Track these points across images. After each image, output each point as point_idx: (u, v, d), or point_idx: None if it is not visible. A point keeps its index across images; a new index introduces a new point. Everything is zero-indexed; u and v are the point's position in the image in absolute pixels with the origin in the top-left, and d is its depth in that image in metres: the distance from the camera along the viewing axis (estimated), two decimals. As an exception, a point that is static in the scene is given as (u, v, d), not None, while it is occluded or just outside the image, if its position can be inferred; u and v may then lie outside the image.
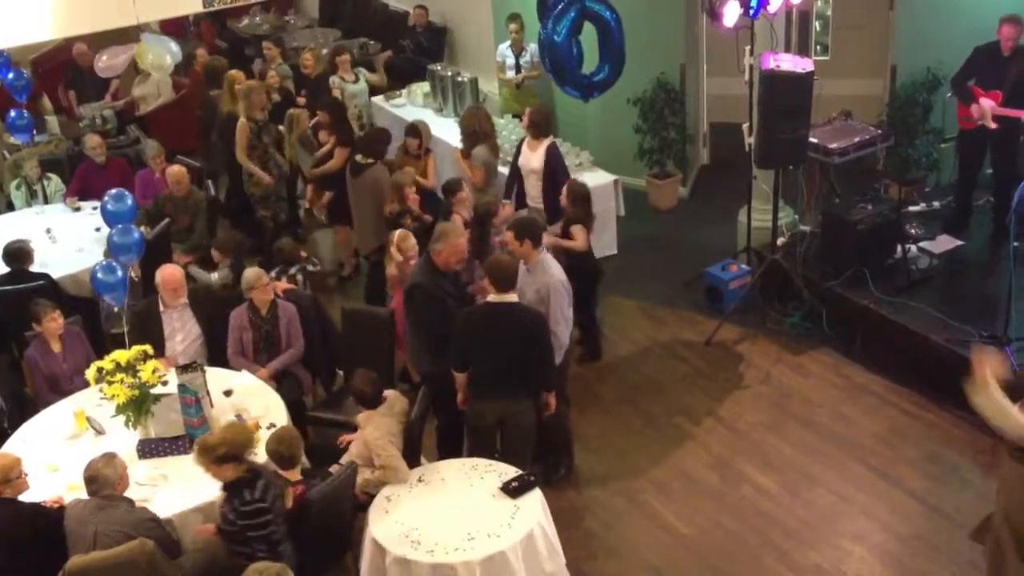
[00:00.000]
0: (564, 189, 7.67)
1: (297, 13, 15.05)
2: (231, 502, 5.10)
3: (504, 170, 9.16)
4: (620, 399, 7.61)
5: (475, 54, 11.60)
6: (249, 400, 6.31)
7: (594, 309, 7.96)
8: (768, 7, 7.56)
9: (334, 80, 10.23)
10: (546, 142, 8.14)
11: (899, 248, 7.93)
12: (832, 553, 6.11)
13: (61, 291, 7.77)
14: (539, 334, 5.95)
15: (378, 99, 11.11)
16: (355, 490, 5.73)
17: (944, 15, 8.83)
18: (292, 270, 7.73)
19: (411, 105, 10.97)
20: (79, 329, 7.07)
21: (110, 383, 5.82)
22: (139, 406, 5.86)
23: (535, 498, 5.50)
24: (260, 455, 5.72)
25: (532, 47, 9.88)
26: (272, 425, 5.95)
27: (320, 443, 6.41)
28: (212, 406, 6.11)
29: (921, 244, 8.04)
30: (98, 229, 8.49)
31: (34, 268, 7.78)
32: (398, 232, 7.36)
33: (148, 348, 6.01)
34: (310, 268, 7.93)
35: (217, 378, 6.39)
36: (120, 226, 7.43)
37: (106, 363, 5.88)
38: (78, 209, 9.12)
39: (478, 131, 8.56)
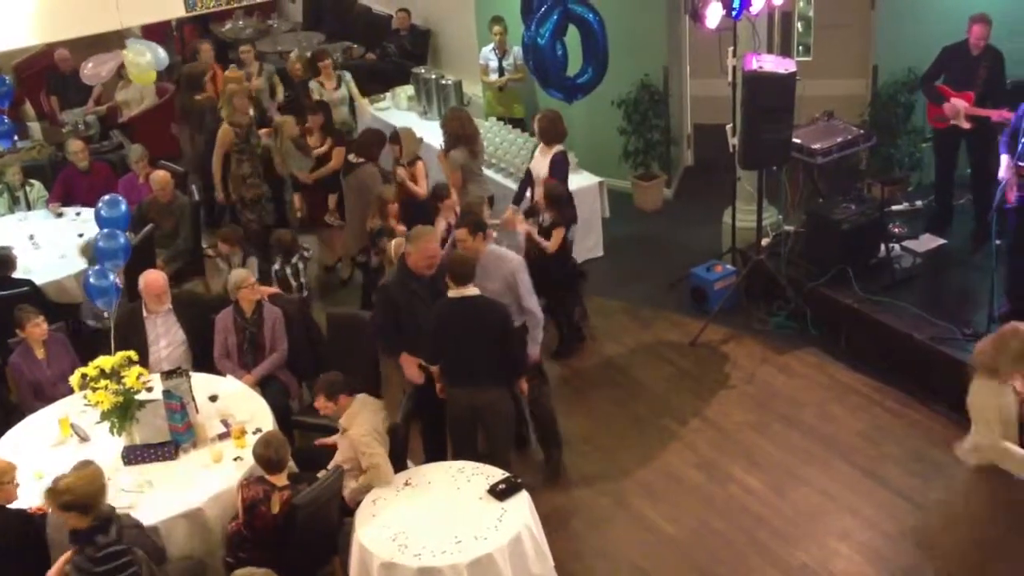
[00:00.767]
0: (541, 190, 7.71)
1: (280, 17, 15.02)
2: (83, 553, 4.64)
3: (491, 173, 9.18)
4: (606, 400, 7.62)
5: (459, 57, 11.60)
6: (234, 405, 6.29)
7: (572, 311, 8.00)
8: (750, 8, 7.57)
9: (312, 85, 10.23)
10: (554, 149, 8.11)
11: (882, 247, 7.97)
12: (819, 551, 6.13)
13: (45, 297, 7.74)
14: (502, 327, 6.03)
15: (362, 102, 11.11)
16: (344, 496, 5.73)
17: (924, 15, 8.88)
18: (294, 259, 7.75)
19: (395, 109, 10.96)
20: (63, 336, 7.04)
21: (94, 389, 5.79)
22: (124, 412, 5.84)
23: (522, 500, 5.51)
24: (247, 459, 5.73)
25: (516, 49, 9.88)
26: (258, 430, 5.95)
27: (306, 448, 6.40)
28: (197, 412, 6.10)
29: (904, 243, 8.08)
30: (81, 235, 8.45)
31: (16, 274, 7.75)
32: (395, 241, 7.42)
33: (132, 354, 5.99)
34: (306, 255, 8.01)
35: (202, 383, 6.37)
36: (106, 231, 7.39)
37: (90, 369, 5.86)
38: (61, 215, 9.08)
39: (461, 133, 8.56)
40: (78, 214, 9.02)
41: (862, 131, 8.34)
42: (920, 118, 8.91)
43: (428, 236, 6.32)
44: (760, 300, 8.32)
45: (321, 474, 5.77)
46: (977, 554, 5.02)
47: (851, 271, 7.78)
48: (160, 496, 5.61)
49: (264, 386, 6.73)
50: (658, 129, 9.98)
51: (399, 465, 5.93)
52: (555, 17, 7.91)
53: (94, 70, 11.32)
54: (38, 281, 7.85)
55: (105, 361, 5.89)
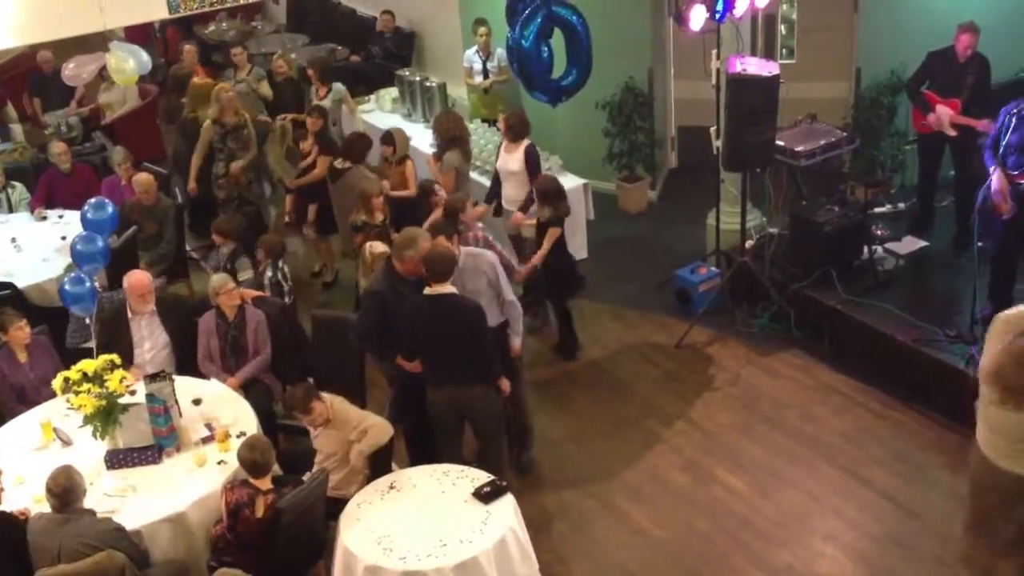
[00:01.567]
0: (533, 189, 7.75)
1: (264, 19, 14.99)
2: None
3: (475, 176, 9.18)
4: (591, 402, 7.63)
5: (443, 59, 11.60)
6: (218, 408, 6.27)
7: (569, 309, 8.04)
8: (734, 11, 7.60)
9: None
10: (524, 144, 8.17)
11: (865, 249, 8.00)
12: (803, 553, 6.15)
13: (27, 301, 7.69)
14: (478, 326, 6.02)
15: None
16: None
17: (907, 18, 8.92)
18: (280, 263, 7.73)
19: (379, 111, 10.95)
20: (46, 339, 6.99)
21: (77, 393, 5.76)
22: (107, 416, 5.81)
23: (507, 503, 5.50)
24: (231, 463, 5.71)
25: (500, 52, 9.88)
26: (242, 433, 5.93)
27: (290, 451, 6.38)
28: (181, 415, 6.07)
29: (887, 245, 8.12)
30: (64, 238, 8.40)
31: (-2, 278, 7.71)
32: (368, 245, 7.38)
33: (115, 357, 5.96)
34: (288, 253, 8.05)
35: (186, 387, 6.34)
36: (84, 234, 7.34)
37: (73, 373, 5.83)
38: (44, 218, 9.02)
39: (456, 135, 8.57)
40: (60, 216, 8.96)
41: (845, 133, 8.37)
42: (903, 121, 8.96)
43: (425, 238, 6.28)
44: (744, 302, 8.35)
45: (306, 477, 5.76)
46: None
47: (834, 273, 7.81)
48: (144, 500, 5.58)
49: (248, 389, 6.69)
50: (642, 131, 10.00)
51: (384, 468, 5.93)
52: (539, 20, 7.92)
53: (75, 71, 11.28)
54: (20, 284, 7.80)
55: (88, 365, 5.86)
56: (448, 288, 5.99)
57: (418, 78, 10.54)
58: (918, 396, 7.12)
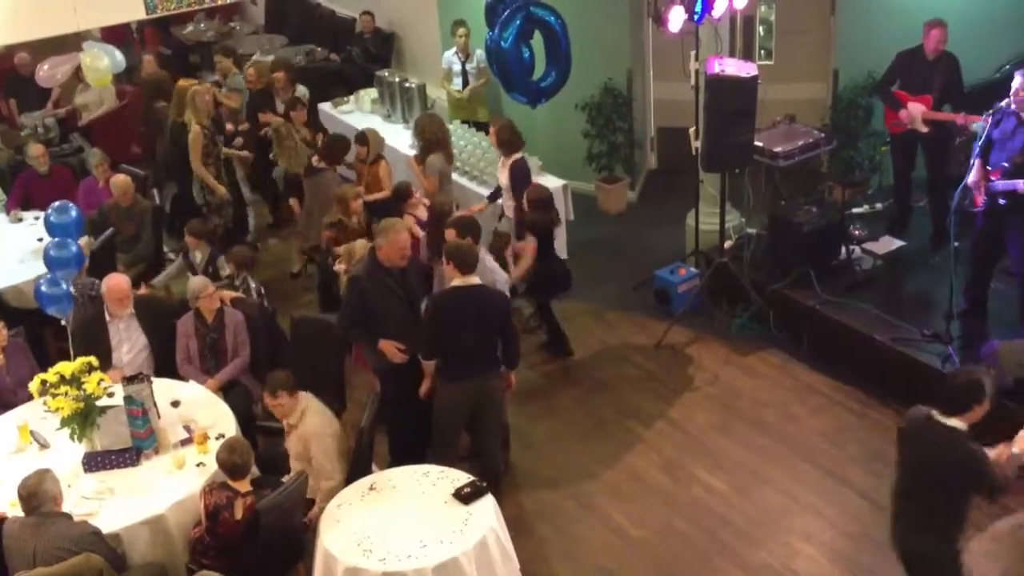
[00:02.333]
0: (524, 198, 7.84)
1: (242, 20, 14.92)
2: None
3: (457, 178, 9.18)
4: (570, 402, 7.64)
5: (423, 60, 11.59)
6: (197, 410, 6.25)
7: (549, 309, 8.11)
8: (713, 12, 7.63)
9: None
10: (513, 158, 8.12)
11: (843, 249, 8.05)
12: (781, 552, 6.18)
13: (3, 302, 7.63)
14: (506, 313, 6.25)
15: (325, 106, 11.05)
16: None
17: (884, 20, 8.98)
18: (247, 276, 7.69)
19: (359, 111, 10.93)
20: (23, 342, 6.94)
21: (54, 396, 5.72)
22: (84, 419, 5.77)
23: (488, 504, 5.50)
24: (210, 465, 5.68)
25: (479, 53, 9.87)
26: (221, 435, 5.90)
27: (269, 453, 6.36)
28: (159, 417, 6.04)
29: (865, 245, 8.18)
30: (40, 239, 8.34)
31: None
32: (358, 243, 7.40)
33: (93, 360, 5.93)
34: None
35: (164, 389, 6.31)
36: (57, 239, 7.29)
37: (50, 375, 5.79)
38: (20, 220, 8.96)
39: (439, 138, 8.55)
40: (37, 218, 8.89)
41: (823, 134, 8.42)
42: (880, 121, 9.01)
43: (396, 228, 6.33)
44: (723, 302, 8.37)
45: (285, 479, 5.74)
46: None
47: (813, 273, 7.85)
48: (122, 503, 5.55)
49: (227, 391, 6.68)
50: (622, 132, 10.02)
51: (364, 469, 5.92)
52: (518, 21, 7.93)
53: (49, 72, 11.20)
54: (-4, 286, 7.75)
55: (65, 367, 5.82)
56: (475, 279, 6.12)
57: (397, 79, 10.53)
58: (896, 395, 7.16)
